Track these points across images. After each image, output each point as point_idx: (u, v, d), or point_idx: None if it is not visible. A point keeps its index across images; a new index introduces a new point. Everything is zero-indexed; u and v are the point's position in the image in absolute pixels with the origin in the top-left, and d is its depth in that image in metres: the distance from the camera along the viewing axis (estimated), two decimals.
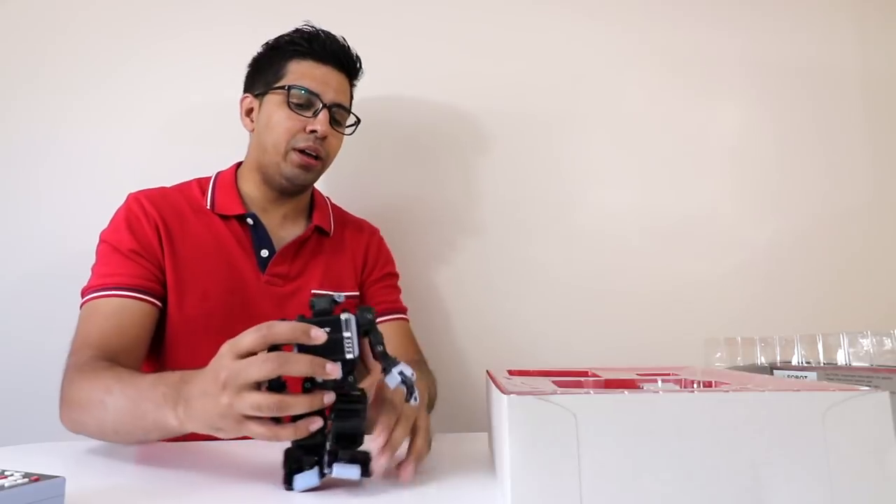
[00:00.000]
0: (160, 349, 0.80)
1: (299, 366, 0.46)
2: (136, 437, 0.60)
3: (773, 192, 1.18)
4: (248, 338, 0.48)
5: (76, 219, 1.09)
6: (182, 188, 0.87)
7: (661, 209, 1.17)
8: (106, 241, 0.79)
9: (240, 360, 0.47)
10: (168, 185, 0.88)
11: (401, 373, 0.50)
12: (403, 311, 0.97)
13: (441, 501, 0.48)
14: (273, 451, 0.49)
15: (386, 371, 0.51)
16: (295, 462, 0.49)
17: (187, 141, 1.13)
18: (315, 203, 0.93)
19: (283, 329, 0.47)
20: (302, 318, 0.49)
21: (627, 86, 1.20)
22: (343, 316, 0.49)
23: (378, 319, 0.92)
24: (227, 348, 0.49)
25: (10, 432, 0.73)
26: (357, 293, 0.92)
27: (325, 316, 0.49)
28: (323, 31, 0.85)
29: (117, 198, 0.83)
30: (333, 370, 0.47)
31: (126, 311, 0.73)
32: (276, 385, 0.48)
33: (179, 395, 0.52)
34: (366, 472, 0.49)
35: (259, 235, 0.85)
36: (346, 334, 0.48)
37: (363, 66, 0.90)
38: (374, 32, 1.16)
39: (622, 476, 0.41)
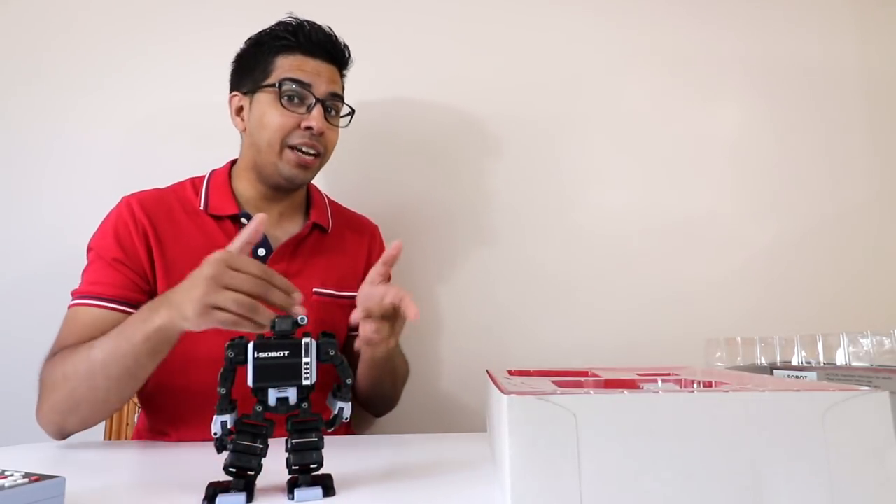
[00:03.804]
0: None
1: (276, 295, 0.55)
2: (127, 369, 0.63)
3: (773, 193, 1.18)
4: (252, 266, 0.55)
5: (74, 218, 1.09)
6: (176, 189, 0.86)
7: (661, 209, 1.17)
8: (93, 248, 0.79)
9: (232, 271, 0.55)
10: (165, 184, 0.87)
11: (341, 409, 0.50)
12: None
13: (441, 501, 0.48)
14: (274, 453, 0.49)
15: (339, 397, 0.50)
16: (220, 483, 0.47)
17: (185, 140, 1.13)
18: (312, 200, 0.92)
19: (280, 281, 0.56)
20: (261, 338, 0.49)
21: (628, 86, 1.20)
22: (304, 340, 0.48)
23: None
24: (224, 256, 0.56)
25: (10, 432, 0.73)
26: (356, 294, 0.91)
27: (286, 338, 0.49)
28: (308, 22, 0.83)
29: (114, 197, 0.83)
30: (299, 310, 0.53)
31: (105, 322, 0.72)
32: (228, 406, 0.48)
33: (165, 297, 0.61)
34: (328, 492, 0.48)
35: None
36: (304, 359, 0.48)
37: (351, 54, 0.88)
38: (375, 35, 1.16)
39: (622, 476, 0.41)
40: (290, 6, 0.86)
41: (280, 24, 0.83)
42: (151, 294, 0.77)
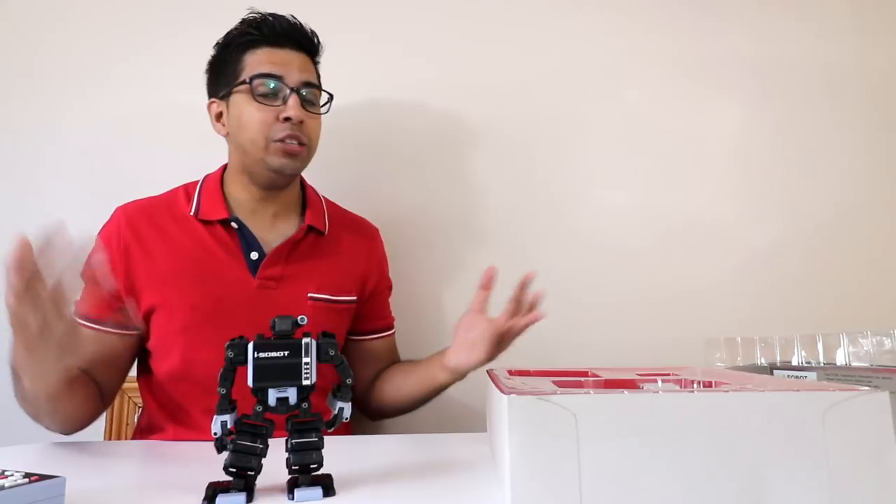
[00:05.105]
0: (151, 363, 0.80)
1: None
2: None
3: (773, 193, 1.18)
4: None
5: (70, 219, 1.09)
6: (169, 196, 0.85)
7: (661, 209, 1.17)
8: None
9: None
10: (159, 185, 0.87)
11: (341, 409, 0.50)
12: (393, 323, 1.00)
13: (441, 501, 0.48)
14: (274, 453, 0.49)
15: (339, 397, 0.50)
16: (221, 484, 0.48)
17: (181, 142, 1.12)
18: (308, 201, 0.90)
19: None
20: (261, 338, 0.49)
21: (628, 87, 1.20)
22: (304, 340, 0.48)
23: (374, 336, 0.95)
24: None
25: (10, 432, 0.73)
26: (355, 298, 0.90)
27: (286, 338, 0.49)
28: (270, 14, 0.82)
29: (108, 198, 0.84)
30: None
31: (89, 338, 0.75)
32: (228, 406, 0.48)
33: None
34: (328, 492, 0.48)
35: (246, 238, 0.82)
36: (304, 359, 0.48)
37: (320, 40, 0.86)
38: (373, 37, 1.16)
39: (622, 476, 0.41)
40: (287, 9, 0.85)
41: (243, 21, 0.82)
42: (123, 309, 0.78)
